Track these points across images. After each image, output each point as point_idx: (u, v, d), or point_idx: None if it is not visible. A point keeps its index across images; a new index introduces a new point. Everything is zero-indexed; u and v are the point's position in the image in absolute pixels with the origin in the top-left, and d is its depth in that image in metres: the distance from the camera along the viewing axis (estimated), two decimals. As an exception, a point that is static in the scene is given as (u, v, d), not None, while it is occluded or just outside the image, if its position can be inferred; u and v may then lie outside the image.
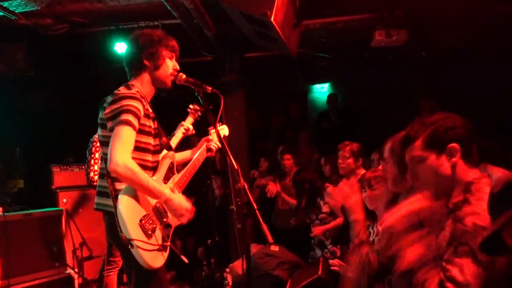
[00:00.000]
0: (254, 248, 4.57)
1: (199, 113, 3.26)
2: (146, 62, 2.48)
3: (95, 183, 4.04)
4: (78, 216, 4.92)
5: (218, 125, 2.96)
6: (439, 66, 5.42)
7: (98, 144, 4.06)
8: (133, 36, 2.54)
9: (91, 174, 4.07)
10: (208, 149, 2.92)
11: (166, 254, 2.39)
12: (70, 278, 4.44)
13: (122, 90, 2.39)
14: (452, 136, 1.64)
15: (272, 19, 3.50)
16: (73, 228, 4.79)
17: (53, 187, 4.95)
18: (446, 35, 5.47)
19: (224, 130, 3.09)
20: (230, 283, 4.52)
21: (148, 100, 2.52)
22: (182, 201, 2.43)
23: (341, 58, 6.81)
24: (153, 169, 2.51)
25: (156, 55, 2.48)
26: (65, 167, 5.08)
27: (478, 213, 1.48)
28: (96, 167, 4.07)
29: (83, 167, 4.65)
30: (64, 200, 4.88)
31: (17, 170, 5.49)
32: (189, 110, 3.29)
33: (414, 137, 1.71)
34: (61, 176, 5.01)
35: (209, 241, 5.54)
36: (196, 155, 2.84)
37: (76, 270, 4.62)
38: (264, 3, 3.51)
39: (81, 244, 4.76)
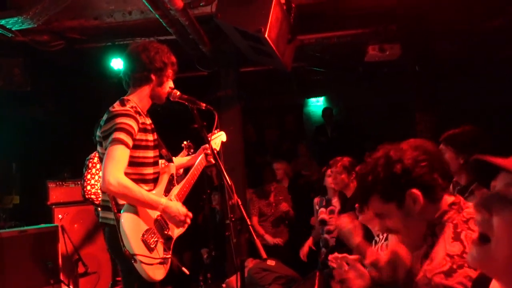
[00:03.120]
0: (251, 263, 4.55)
1: (192, 150, 3.16)
2: (153, 76, 2.48)
3: (90, 196, 4.06)
4: (73, 232, 4.90)
5: (216, 131, 2.95)
6: (434, 78, 5.45)
7: (95, 160, 4.10)
8: (142, 47, 2.49)
9: (88, 187, 4.08)
10: (207, 155, 2.84)
11: (167, 267, 2.44)
12: (65, 295, 4.41)
13: (116, 107, 2.40)
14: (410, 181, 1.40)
15: (266, 35, 3.53)
16: (68, 244, 4.76)
17: (49, 203, 4.93)
18: (440, 47, 5.52)
19: (222, 136, 3.09)
20: (227, 298, 4.49)
21: (145, 112, 2.53)
22: (179, 207, 2.44)
23: (336, 72, 6.87)
24: (154, 181, 2.53)
25: (163, 72, 2.49)
26: (60, 183, 5.07)
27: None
28: (93, 182, 4.07)
29: (79, 182, 4.65)
30: (60, 216, 4.86)
31: (13, 186, 5.47)
32: (183, 146, 3.23)
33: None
34: (56, 192, 4.99)
35: (205, 256, 5.51)
36: (195, 164, 2.81)
37: (71, 286, 4.58)
38: (258, 19, 3.54)
39: (77, 260, 4.74)
